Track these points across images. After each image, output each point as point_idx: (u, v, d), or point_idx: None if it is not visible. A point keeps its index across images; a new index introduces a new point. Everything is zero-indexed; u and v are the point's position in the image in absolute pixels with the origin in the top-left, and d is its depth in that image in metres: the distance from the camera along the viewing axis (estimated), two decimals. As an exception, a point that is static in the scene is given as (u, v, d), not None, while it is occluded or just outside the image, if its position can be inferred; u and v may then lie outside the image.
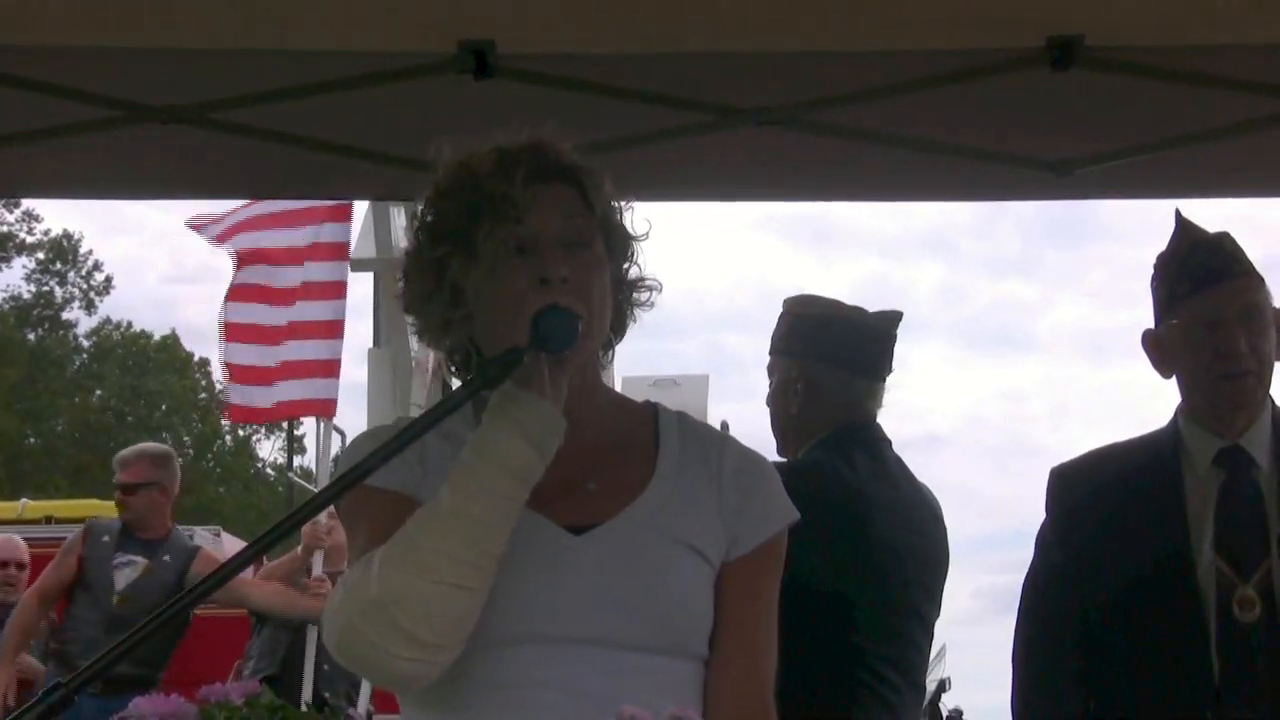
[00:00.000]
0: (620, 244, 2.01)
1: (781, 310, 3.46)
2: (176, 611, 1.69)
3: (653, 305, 2.05)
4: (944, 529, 3.38)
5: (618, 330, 2.03)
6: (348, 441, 3.70)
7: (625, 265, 2.02)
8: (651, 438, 2.03)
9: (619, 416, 2.04)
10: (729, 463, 2.02)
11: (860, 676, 3.15)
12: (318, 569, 6.91)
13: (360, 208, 7.02)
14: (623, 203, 2.02)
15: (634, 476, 1.98)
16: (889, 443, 3.37)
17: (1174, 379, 2.90)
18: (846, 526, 3.16)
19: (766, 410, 3.47)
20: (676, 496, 1.97)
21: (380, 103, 3.35)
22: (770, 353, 3.47)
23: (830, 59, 3.27)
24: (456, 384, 2.00)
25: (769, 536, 2.01)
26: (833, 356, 3.34)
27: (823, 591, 3.11)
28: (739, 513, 1.99)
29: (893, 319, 3.42)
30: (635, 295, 2.04)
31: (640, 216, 2.03)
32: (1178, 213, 2.93)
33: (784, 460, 3.38)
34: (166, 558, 6.67)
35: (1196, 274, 2.82)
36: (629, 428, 2.04)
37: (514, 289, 1.88)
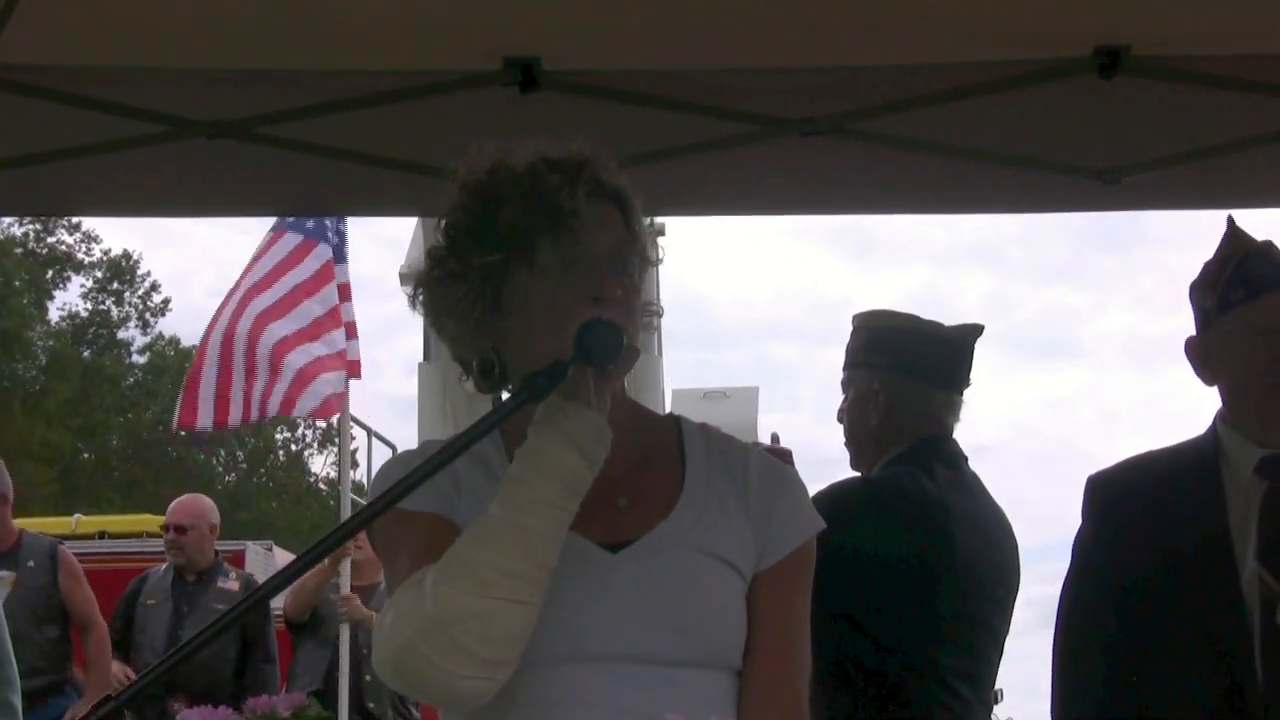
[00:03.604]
0: (643, 269, 2.00)
1: (854, 325, 3.43)
2: (234, 620, 1.68)
3: (657, 328, 2.05)
4: (1016, 544, 3.36)
5: None
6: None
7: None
8: (676, 450, 2.04)
9: (643, 430, 2.04)
10: (754, 473, 2.02)
11: (934, 690, 3.13)
12: (345, 586, 6.93)
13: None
14: (648, 226, 2.02)
15: (663, 491, 1.99)
16: (965, 457, 3.35)
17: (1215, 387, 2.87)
18: (930, 539, 3.15)
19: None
20: (706, 510, 1.97)
21: (425, 118, 3.36)
22: (845, 368, 3.43)
23: (877, 71, 3.27)
24: (469, 391, 2.00)
25: (797, 546, 2.00)
26: (913, 368, 3.31)
27: (904, 603, 3.12)
28: (766, 523, 1.99)
29: (972, 332, 3.39)
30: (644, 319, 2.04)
31: (659, 240, 2.05)
32: (1230, 219, 2.90)
33: (861, 475, 3.36)
34: (31, 563, 6.66)
35: (1252, 281, 2.78)
36: (653, 441, 2.04)
37: (567, 303, 1.87)
